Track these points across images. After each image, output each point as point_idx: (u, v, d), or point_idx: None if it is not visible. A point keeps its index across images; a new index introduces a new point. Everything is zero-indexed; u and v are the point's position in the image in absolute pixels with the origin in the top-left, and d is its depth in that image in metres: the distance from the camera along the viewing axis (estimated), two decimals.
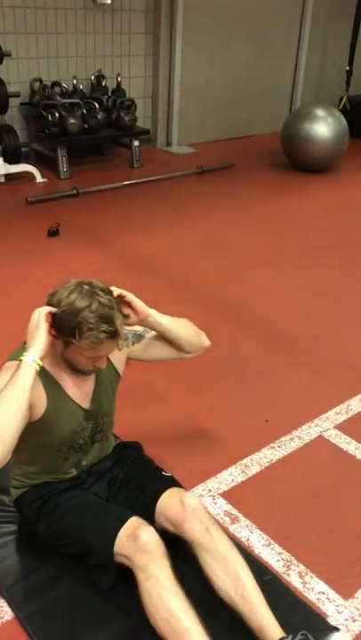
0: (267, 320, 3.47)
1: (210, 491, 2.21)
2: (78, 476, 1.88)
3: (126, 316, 1.74)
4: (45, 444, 1.78)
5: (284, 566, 1.94)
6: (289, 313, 3.57)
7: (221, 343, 3.10)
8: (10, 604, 1.75)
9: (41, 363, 1.58)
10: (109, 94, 6.10)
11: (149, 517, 1.77)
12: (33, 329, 1.60)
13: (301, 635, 1.57)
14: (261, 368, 3.01)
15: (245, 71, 7.32)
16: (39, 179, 5.59)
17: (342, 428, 2.59)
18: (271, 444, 2.47)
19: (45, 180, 5.62)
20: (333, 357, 3.13)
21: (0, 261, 4.01)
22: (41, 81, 5.77)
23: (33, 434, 1.70)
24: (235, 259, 4.29)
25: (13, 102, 5.61)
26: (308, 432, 2.55)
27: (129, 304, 1.76)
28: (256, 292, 3.79)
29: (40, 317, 1.60)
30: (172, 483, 1.87)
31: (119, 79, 6.24)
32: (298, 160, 6.25)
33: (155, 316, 1.84)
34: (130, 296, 1.76)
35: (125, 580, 1.64)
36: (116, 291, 1.71)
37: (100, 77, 6.14)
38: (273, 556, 1.97)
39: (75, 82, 5.96)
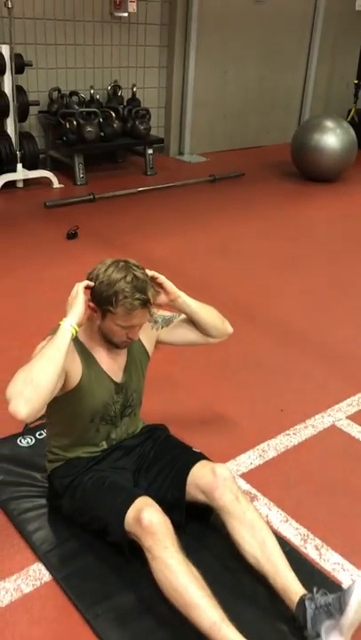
0: (281, 319, 3.61)
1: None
2: (108, 449, 2.01)
3: (158, 292, 1.90)
4: (79, 414, 1.92)
5: (301, 540, 2.06)
6: (302, 313, 3.71)
7: (238, 340, 3.23)
8: (47, 568, 1.88)
9: (77, 328, 1.74)
10: (125, 104, 6.29)
11: (181, 489, 1.90)
12: (72, 299, 1.78)
13: (323, 591, 1.69)
14: (276, 363, 3.15)
15: (256, 84, 7.52)
16: (56, 184, 5.76)
17: (354, 418, 2.72)
18: (286, 432, 2.60)
19: (62, 185, 5.79)
20: (345, 353, 3.26)
21: (21, 262, 4.17)
22: (59, 90, 5.96)
23: (69, 404, 1.86)
24: (248, 262, 4.44)
25: (33, 110, 5.80)
26: (321, 421, 2.69)
27: (160, 285, 1.93)
28: (270, 293, 3.93)
29: (79, 289, 1.78)
30: (202, 457, 2.00)
31: (134, 90, 6.43)
32: (307, 170, 6.41)
33: (184, 297, 2.01)
34: (162, 277, 1.95)
35: None
36: (149, 272, 1.88)
37: (116, 88, 6.34)
38: (291, 530, 2.10)
39: (92, 91, 6.15)
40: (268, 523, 2.07)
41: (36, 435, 2.42)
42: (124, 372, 1.97)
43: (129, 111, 6.14)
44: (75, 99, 5.99)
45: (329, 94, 8.40)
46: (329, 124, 6.27)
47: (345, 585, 1.89)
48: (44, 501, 2.10)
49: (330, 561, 1.99)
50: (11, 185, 5.57)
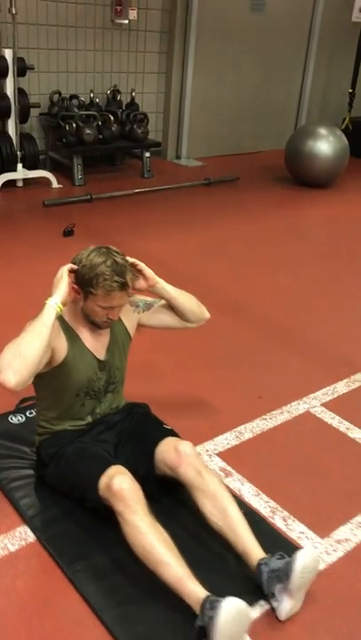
0: (265, 315, 3.77)
1: (207, 451, 2.49)
2: (92, 423, 2.17)
3: (136, 277, 2.07)
4: (65, 388, 2.08)
5: (270, 512, 2.22)
6: (285, 310, 3.87)
7: (222, 333, 3.43)
8: (32, 530, 2.04)
9: (62, 307, 1.90)
10: (124, 108, 6.47)
11: (150, 464, 2.05)
12: (57, 280, 1.95)
13: (279, 554, 1.84)
14: (258, 355, 3.31)
15: (253, 91, 7.70)
16: (55, 184, 5.93)
17: (328, 405, 2.88)
18: (263, 416, 2.76)
19: (61, 185, 5.97)
20: (324, 348, 3.42)
21: (19, 257, 4.34)
22: (60, 93, 6.15)
23: (56, 379, 2.02)
24: (237, 262, 4.60)
25: (34, 112, 5.99)
26: (296, 407, 2.84)
27: (140, 271, 2.11)
28: (256, 292, 4.10)
29: (63, 272, 1.95)
30: (169, 433, 2.14)
31: (133, 94, 6.61)
32: (300, 175, 6.59)
33: (162, 284, 2.18)
34: (141, 264, 2.12)
35: None
36: (129, 259, 2.05)
37: (115, 92, 6.52)
38: (261, 503, 2.25)
39: (92, 95, 6.33)
40: (239, 496, 2.24)
41: (27, 413, 2.58)
42: (107, 351, 2.13)
43: (127, 115, 6.32)
44: (75, 102, 6.18)
45: (325, 102, 8.60)
46: (322, 131, 6.45)
47: None
48: (31, 472, 2.26)
49: (295, 530, 2.14)
50: (11, 184, 5.75)
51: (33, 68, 5.79)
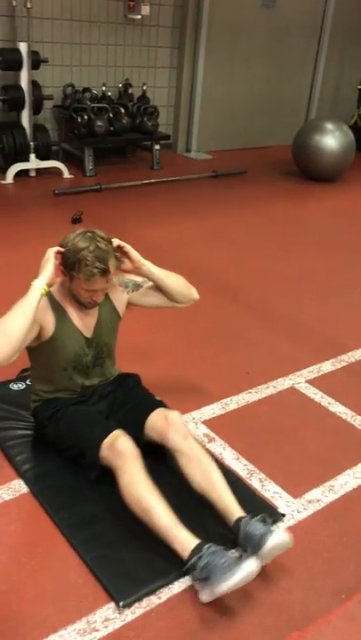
0: (260, 300, 3.92)
1: (193, 419, 2.66)
2: (84, 394, 2.34)
3: (121, 262, 2.20)
4: (54, 362, 2.24)
5: (248, 474, 2.37)
6: (281, 296, 4.01)
7: (217, 315, 3.59)
8: (26, 483, 2.22)
9: (47, 288, 2.05)
10: (135, 101, 6.63)
11: (140, 431, 2.21)
12: (44, 262, 2.09)
13: (261, 516, 1.99)
14: (250, 336, 3.46)
15: (264, 86, 7.84)
16: (66, 174, 6.12)
17: (313, 382, 3.03)
18: (249, 390, 2.91)
19: (72, 176, 6.15)
20: (316, 331, 3.57)
21: (27, 241, 4.52)
22: (73, 86, 6.33)
23: (44, 352, 2.20)
24: (239, 250, 4.76)
25: (47, 104, 6.18)
26: (282, 383, 3.00)
27: (126, 253, 2.23)
28: (254, 279, 4.25)
29: (50, 254, 2.09)
30: (160, 404, 2.32)
31: (145, 88, 6.78)
32: (307, 169, 6.71)
33: (148, 265, 2.29)
34: (127, 247, 2.24)
35: (109, 475, 2.06)
36: (115, 241, 2.18)
37: (127, 86, 6.69)
38: (240, 466, 2.41)
39: (104, 88, 6.51)
40: (220, 460, 2.40)
41: (27, 382, 2.74)
42: (95, 329, 2.28)
43: (138, 108, 6.48)
44: (87, 95, 6.36)
45: (336, 98, 8.69)
46: (329, 126, 6.57)
47: (280, 509, 2.20)
48: (27, 432, 2.44)
49: (270, 490, 2.30)
50: (24, 174, 5.95)
51: (47, 61, 5.97)
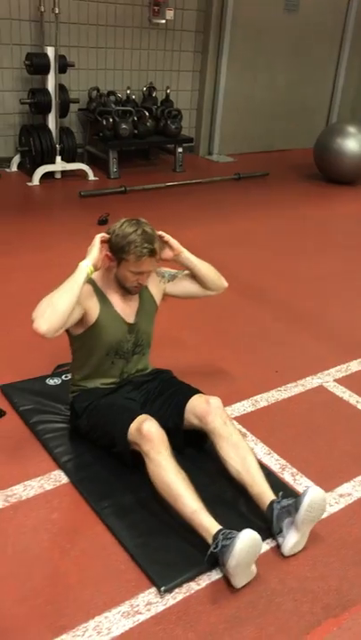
0: (286, 301, 3.98)
1: None
2: (120, 382, 2.42)
3: (163, 247, 2.35)
4: (98, 347, 2.33)
5: (280, 468, 2.44)
6: (306, 296, 4.07)
7: (244, 315, 3.66)
8: (66, 473, 2.30)
9: (93, 269, 2.16)
10: (159, 104, 6.72)
11: (180, 416, 2.29)
12: (91, 247, 2.22)
13: (290, 499, 2.06)
14: (279, 335, 3.52)
15: (285, 90, 7.89)
16: (91, 177, 6.22)
17: (341, 381, 3.08)
18: (278, 388, 2.98)
19: (97, 178, 6.25)
20: (340, 330, 3.62)
21: (57, 241, 4.62)
22: (98, 90, 6.43)
23: (89, 339, 2.29)
24: (264, 253, 4.81)
25: (73, 108, 6.27)
26: (310, 382, 3.05)
27: (167, 242, 2.38)
28: (279, 279, 4.30)
29: (97, 240, 2.22)
30: (199, 391, 2.39)
31: (168, 91, 6.86)
32: (329, 172, 6.76)
33: (186, 253, 2.46)
34: (167, 236, 2.41)
35: (143, 464, 2.12)
36: (157, 232, 2.30)
37: (151, 89, 6.78)
38: (272, 461, 2.47)
39: (128, 92, 6.60)
40: (252, 450, 2.46)
41: (62, 377, 2.84)
42: (136, 315, 2.38)
43: (162, 111, 6.57)
44: (112, 98, 6.45)
45: (357, 102, 8.73)
46: (351, 129, 6.61)
47: None
48: (64, 425, 2.52)
49: (302, 485, 2.36)
50: (50, 176, 6.05)
51: (73, 65, 6.07)
